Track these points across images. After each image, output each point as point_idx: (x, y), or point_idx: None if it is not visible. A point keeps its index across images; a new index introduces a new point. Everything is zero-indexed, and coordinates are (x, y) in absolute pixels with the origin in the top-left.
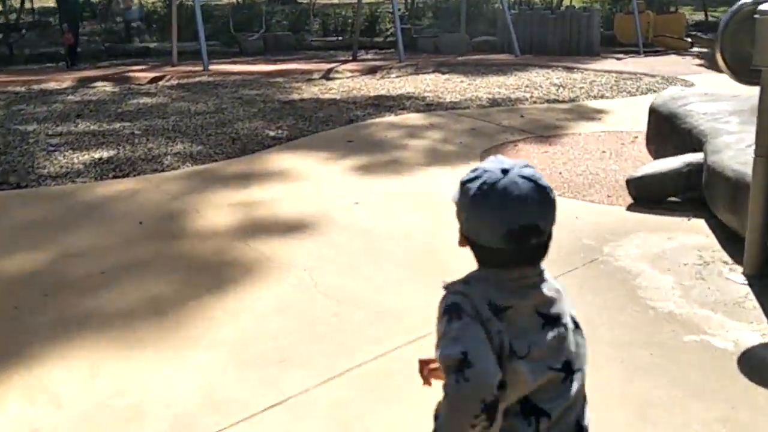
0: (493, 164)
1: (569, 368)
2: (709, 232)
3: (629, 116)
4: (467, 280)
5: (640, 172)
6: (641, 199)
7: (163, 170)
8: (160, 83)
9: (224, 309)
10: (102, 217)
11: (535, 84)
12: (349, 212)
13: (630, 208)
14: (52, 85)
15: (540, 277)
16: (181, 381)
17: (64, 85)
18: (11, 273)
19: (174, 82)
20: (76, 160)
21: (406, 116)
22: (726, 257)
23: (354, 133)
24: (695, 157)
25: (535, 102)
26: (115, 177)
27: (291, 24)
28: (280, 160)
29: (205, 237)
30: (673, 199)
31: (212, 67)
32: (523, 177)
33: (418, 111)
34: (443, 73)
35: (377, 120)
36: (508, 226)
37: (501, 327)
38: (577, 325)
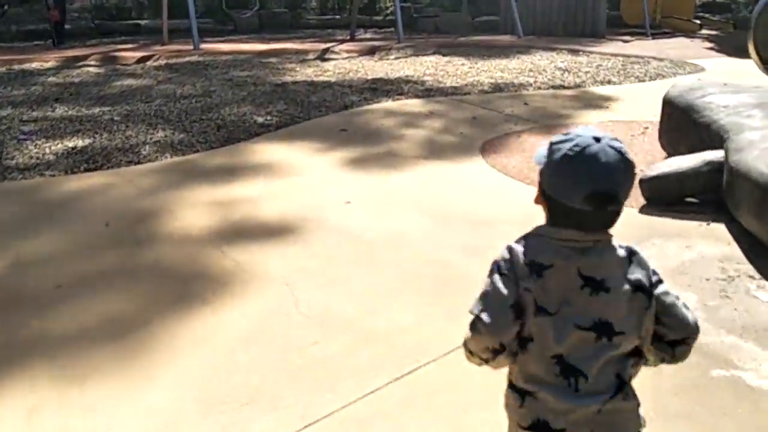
0: (585, 131)
1: (607, 330)
2: (731, 239)
3: (638, 104)
4: (525, 236)
5: (654, 171)
6: (655, 200)
7: (139, 162)
8: (148, 63)
9: (190, 335)
10: (65, 217)
11: (539, 68)
12: (340, 213)
13: (643, 210)
14: (35, 65)
15: (595, 243)
16: (133, 428)
17: (47, 65)
18: None
19: (162, 62)
20: (47, 150)
21: (404, 102)
22: (752, 271)
23: (348, 121)
24: (716, 155)
25: (539, 87)
26: (87, 170)
27: (288, 1)
28: (266, 151)
29: (176, 242)
30: (687, 198)
31: (204, 46)
32: (612, 147)
33: (416, 96)
34: (444, 55)
35: (373, 106)
36: (592, 189)
37: (532, 285)
38: (642, 290)
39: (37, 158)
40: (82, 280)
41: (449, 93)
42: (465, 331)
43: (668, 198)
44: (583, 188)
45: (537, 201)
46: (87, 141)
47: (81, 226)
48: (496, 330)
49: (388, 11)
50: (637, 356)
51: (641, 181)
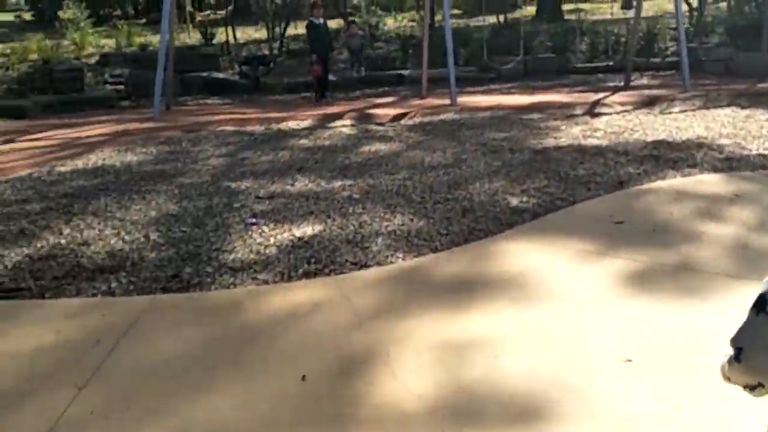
0: None
1: None
2: None
3: None
4: None
5: None
6: None
7: (366, 264)
8: (402, 122)
9: None
10: (254, 360)
11: None
12: (614, 381)
13: None
14: (290, 124)
15: None
16: None
17: (303, 124)
18: None
19: (417, 120)
20: (271, 240)
21: (698, 179)
22: None
23: (625, 207)
24: None
25: None
26: (305, 274)
27: (554, 45)
28: (516, 254)
29: (387, 420)
30: None
31: (462, 100)
32: None
33: (714, 169)
34: (742, 108)
35: (657, 184)
36: None
37: None
38: None
39: (257, 252)
40: None
41: (758, 164)
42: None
43: None
44: None
45: None
46: (317, 228)
47: (269, 379)
48: (754, 369)
49: (668, 51)
50: None
51: None
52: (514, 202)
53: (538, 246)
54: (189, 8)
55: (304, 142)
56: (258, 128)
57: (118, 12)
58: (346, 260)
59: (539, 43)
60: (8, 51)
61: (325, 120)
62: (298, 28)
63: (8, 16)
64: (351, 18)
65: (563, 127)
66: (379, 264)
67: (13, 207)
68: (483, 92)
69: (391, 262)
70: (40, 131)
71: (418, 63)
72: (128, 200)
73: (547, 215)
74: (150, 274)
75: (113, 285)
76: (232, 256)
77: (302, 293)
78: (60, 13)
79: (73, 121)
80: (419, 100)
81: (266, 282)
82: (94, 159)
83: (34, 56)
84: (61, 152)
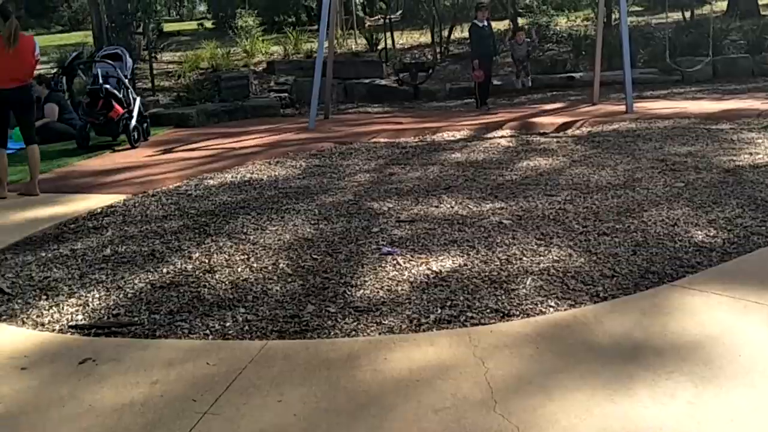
0: None
1: None
2: None
3: None
4: None
5: None
6: None
7: (508, 314)
8: (568, 132)
9: None
10: None
11: None
12: None
13: None
14: (445, 135)
15: None
16: None
17: (458, 135)
18: None
19: (585, 129)
20: (405, 276)
21: None
22: None
23: None
24: None
25: None
26: (436, 322)
27: (749, 44)
28: (700, 310)
29: None
30: None
31: (638, 106)
32: None
33: None
34: None
35: None
36: None
37: None
38: None
39: (388, 289)
40: None
41: None
42: None
43: None
44: None
45: None
46: (457, 261)
47: None
48: None
49: None
50: None
51: None
52: (698, 236)
53: (729, 300)
54: (359, 13)
55: (456, 155)
56: (411, 140)
57: (293, 19)
58: (487, 306)
59: (731, 42)
60: (182, 59)
61: (483, 130)
62: (463, 31)
63: (192, 25)
64: (518, 25)
65: (760, 141)
66: (525, 313)
67: (152, 225)
68: (664, 97)
69: (541, 312)
70: (199, 141)
71: (591, 65)
72: (266, 220)
73: (741, 256)
74: (269, 312)
75: (228, 324)
76: (360, 293)
77: (429, 351)
78: (237, 21)
79: (232, 131)
80: (590, 106)
81: (391, 329)
82: (243, 172)
83: (205, 64)
84: (213, 164)
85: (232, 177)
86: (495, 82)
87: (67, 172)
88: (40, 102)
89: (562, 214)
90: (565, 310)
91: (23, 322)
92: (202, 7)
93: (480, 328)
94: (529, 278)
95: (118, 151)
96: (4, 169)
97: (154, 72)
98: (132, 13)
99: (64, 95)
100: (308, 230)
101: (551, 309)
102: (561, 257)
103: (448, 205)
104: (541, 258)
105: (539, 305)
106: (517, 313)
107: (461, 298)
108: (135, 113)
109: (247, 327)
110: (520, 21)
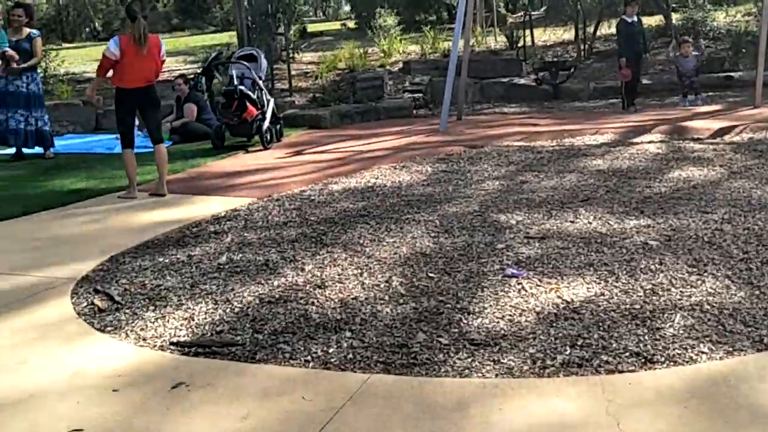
0: None
1: None
2: None
3: None
4: None
5: None
6: None
7: (652, 358)
8: (726, 138)
9: None
10: None
11: None
12: None
13: None
14: (586, 139)
15: None
16: None
17: (600, 139)
18: None
19: (745, 136)
20: (531, 303)
21: None
22: None
23: None
24: None
25: None
26: (564, 365)
27: None
28: None
29: None
30: None
31: None
32: None
33: None
34: None
35: None
36: None
37: None
38: None
39: (510, 320)
40: None
41: None
42: None
43: None
44: None
45: None
46: (593, 289)
47: None
48: None
49: None
50: None
51: None
52: None
53: None
54: (501, 10)
55: (597, 162)
56: (547, 144)
57: (433, 17)
58: (626, 348)
59: None
60: (321, 60)
61: (629, 134)
62: (610, 28)
63: (336, 25)
64: (684, 36)
65: None
66: (671, 360)
67: (271, 232)
68: None
69: (691, 359)
70: (330, 143)
71: (752, 63)
72: (384, 231)
73: None
74: (376, 339)
75: (331, 350)
76: (477, 322)
77: (553, 402)
78: (376, 21)
79: (363, 132)
80: (751, 109)
81: (510, 371)
82: (368, 177)
83: (342, 65)
84: (340, 167)
85: (356, 182)
86: (644, 82)
87: (199, 173)
88: (180, 101)
89: (718, 236)
90: (720, 358)
91: (126, 335)
92: (347, 7)
93: (616, 378)
94: (678, 315)
95: (251, 152)
96: (134, 168)
97: (293, 73)
98: (272, 14)
99: (204, 95)
100: (427, 243)
101: (703, 356)
102: (717, 289)
103: (586, 221)
104: (693, 290)
105: (689, 350)
106: (662, 359)
107: (595, 336)
108: (268, 114)
109: (351, 355)
110: (674, 17)
